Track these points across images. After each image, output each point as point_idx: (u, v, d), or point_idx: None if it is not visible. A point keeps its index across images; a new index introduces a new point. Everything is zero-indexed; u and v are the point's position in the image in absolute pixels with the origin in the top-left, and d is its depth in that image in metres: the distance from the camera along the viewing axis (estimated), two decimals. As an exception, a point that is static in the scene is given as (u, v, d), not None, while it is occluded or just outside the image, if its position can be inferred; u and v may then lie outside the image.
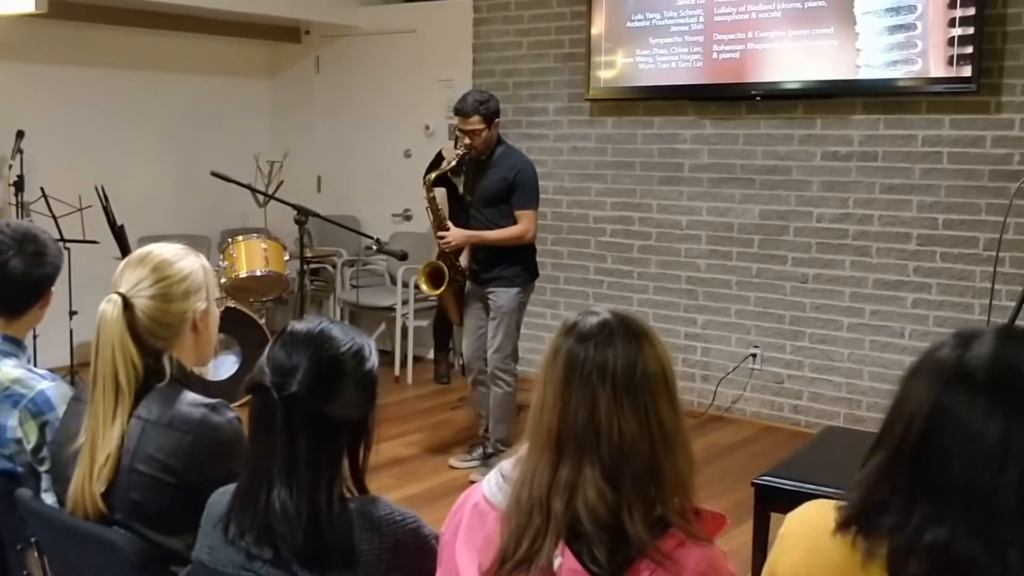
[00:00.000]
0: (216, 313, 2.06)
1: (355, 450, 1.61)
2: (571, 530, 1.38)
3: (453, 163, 4.68)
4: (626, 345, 1.43)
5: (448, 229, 4.62)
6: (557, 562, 1.37)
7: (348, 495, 1.58)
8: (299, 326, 1.63)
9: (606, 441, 1.39)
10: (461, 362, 6.43)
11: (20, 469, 2.13)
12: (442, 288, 4.70)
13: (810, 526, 1.38)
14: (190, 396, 1.89)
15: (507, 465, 1.52)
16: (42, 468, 2.09)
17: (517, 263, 4.63)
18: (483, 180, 4.60)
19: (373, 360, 1.64)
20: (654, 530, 1.37)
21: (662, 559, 1.34)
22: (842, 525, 1.30)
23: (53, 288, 2.29)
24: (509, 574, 1.41)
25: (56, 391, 2.15)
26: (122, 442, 1.83)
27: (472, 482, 4.67)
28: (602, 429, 1.39)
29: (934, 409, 1.24)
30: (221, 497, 1.64)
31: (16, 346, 2.24)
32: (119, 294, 1.88)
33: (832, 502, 1.37)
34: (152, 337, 1.90)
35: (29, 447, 2.11)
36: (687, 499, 1.42)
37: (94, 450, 1.83)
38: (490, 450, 4.69)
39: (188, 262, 1.97)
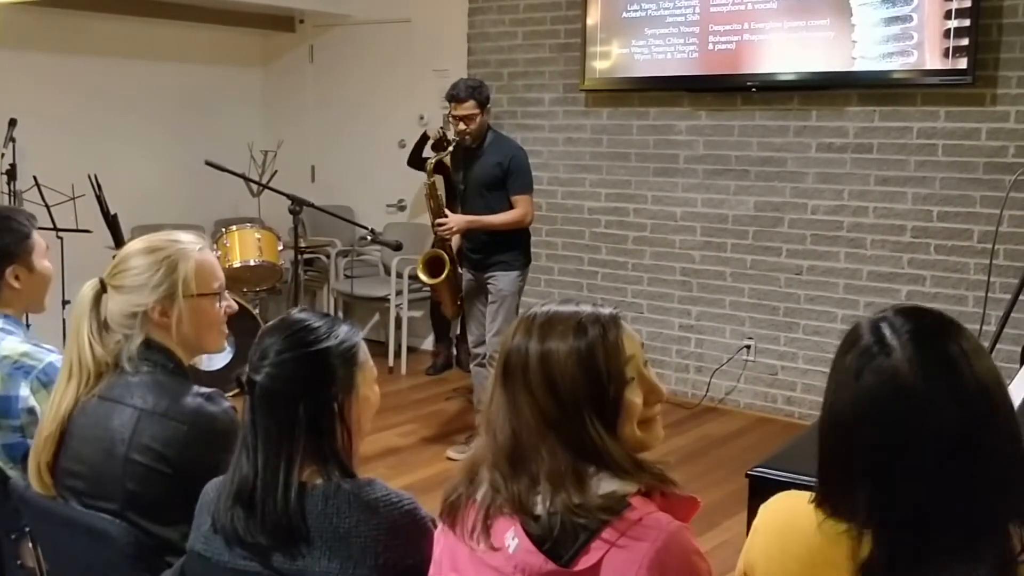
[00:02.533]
0: (204, 308, 2.00)
1: (322, 433, 1.59)
2: (520, 510, 1.41)
3: (450, 149, 4.72)
4: (524, 339, 1.46)
5: (446, 215, 4.63)
6: (515, 544, 1.37)
7: (343, 479, 1.58)
8: (278, 319, 1.69)
9: (494, 427, 1.46)
10: (456, 353, 6.44)
11: (30, 441, 2.13)
12: (442, 277, 4.68)
13: (782, 515, 1.41)
14: (185, 386, 1.89)
15: None
16: None
17: (515, 248, 4.67)
18: (476, 168, 4.64)
19: (328, 342, 1.63)
20: (612, 506, 1.37)
21: (617, 539, 1.34)
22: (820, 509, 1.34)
23: (15, 264, 2.26)
24: (445, 521, 1.50)
25: None
26: (69, 417, 1.88)
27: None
28: (491, 417, 1.47)
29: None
30: (215, 486, 1.65)
31: (17, 324, 2.26)
32: (100, 279, 1.94)
33: (802, 492, 1.39)
34: (113, 323, 1.93)
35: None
36: (578, 494, 1.38)
37: (42, 423, 1.90)
38: None
39: (150, 258, 1.95)
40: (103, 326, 1.92)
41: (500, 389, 1.46)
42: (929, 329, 1.30)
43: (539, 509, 1.38)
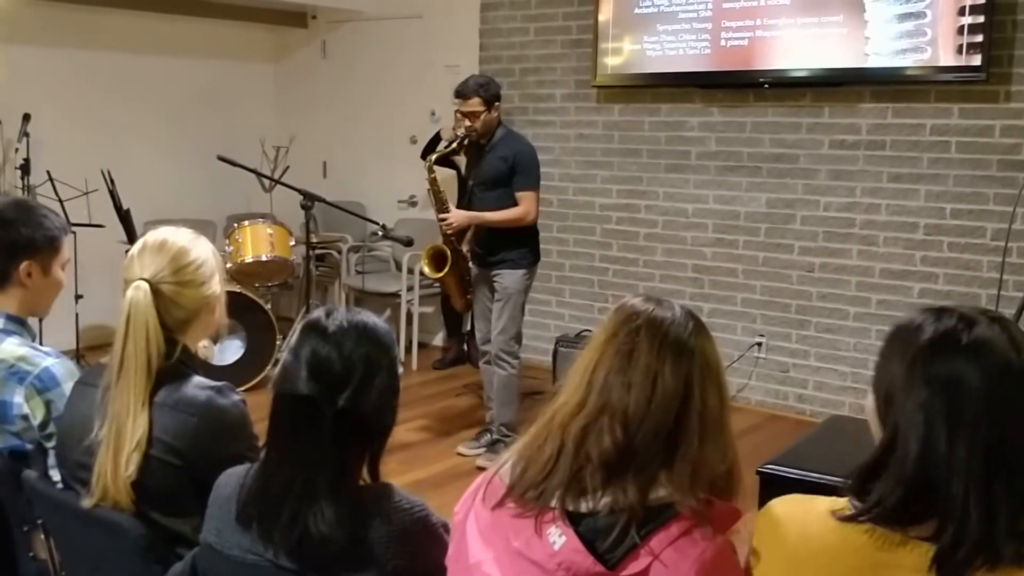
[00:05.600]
0: (224, 295, 2.07)
1: (380, 447, 1.63)
2: (576, 489, 1.38)
3: (453, 145, 4.76)
4: (686, 319, 1.46)
5: (449, 211, 4.65)
6: (560, 541, 1.36)
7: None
8: (343, 325, 1.59)
9: (637, 387, 1.39)
10: (467, 349, 6.45)
11: (29, 446, 2.13)
12: (444, 271, 4.70)
13: (793, 522, 1.37)
14: (196, 379, 1.90)
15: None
16: (49, 444, 2.10)
17: (522, 245, 4.66)
18: (484, 164, 4.65)
19: (394, 353, 1.68)
20: (660, 511, 1.36)
21: (664, 547, 1.33)
22: (857, 515, 1.29)
23: (34, 260, 2.22)
24: (516, 502, 1.42)
25: (61, 367, 2.15)
26: (151, 427, 1.82)
27: (479, 468, 4.67)
28: (636, 375, 1.40)
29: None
30: (228, 479, 1.64)
31: (19, 325, 2.23)
32: (145, 280, 1.88)
33: (802, 496, 1.38)
34: (172, 322, 1.91)
35: (36, 423, 2.11)
36: (702, 489, 1.39)
37: (120, 437, 1.81)
38: (495, 436, 4.70)
39: (202, 248, 1.98)
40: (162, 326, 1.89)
41: (658, 350, 1.41)
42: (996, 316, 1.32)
43: (590, 506, 1.37)
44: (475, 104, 4.53)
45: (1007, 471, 1.23)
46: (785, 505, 1.40)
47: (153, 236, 1.98)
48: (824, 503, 1.34)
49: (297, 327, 1.64)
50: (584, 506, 1.38)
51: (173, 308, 1.91)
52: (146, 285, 1.87)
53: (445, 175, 6.20)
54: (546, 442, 1.42)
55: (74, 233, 5.31)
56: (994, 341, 1.27)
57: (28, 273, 2.22)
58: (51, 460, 2.07)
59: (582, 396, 1.42)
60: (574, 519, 1.37)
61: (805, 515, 1.35)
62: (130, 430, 1.81)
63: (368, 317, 1.65)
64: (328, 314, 1.62)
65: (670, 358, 1.40)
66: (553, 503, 1.38)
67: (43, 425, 2.10)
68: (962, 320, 1.30)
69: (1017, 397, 1.25)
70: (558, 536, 1.36)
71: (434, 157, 4.84)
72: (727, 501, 1.42)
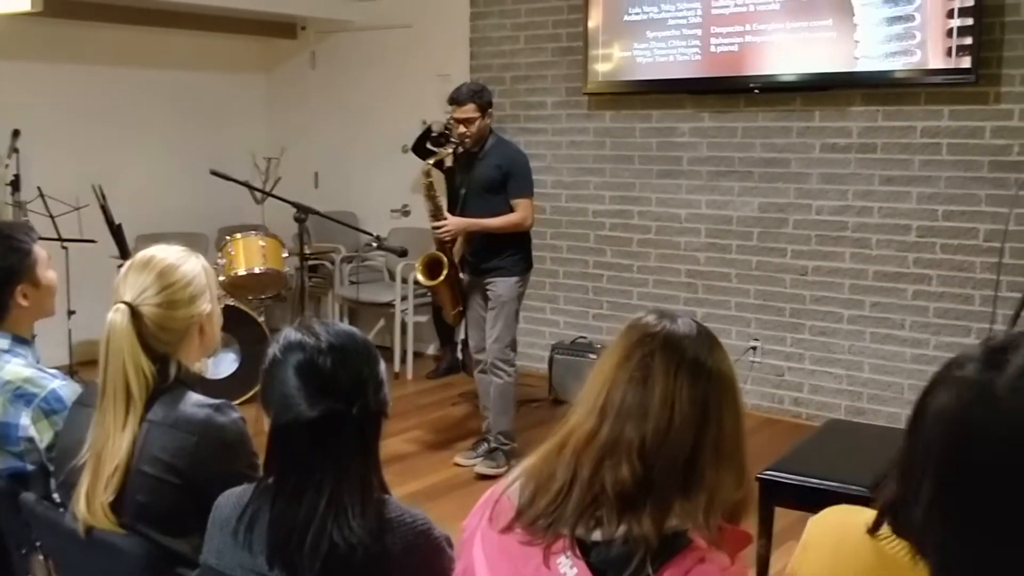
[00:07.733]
0: (219, 312, 2.05)
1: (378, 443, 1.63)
2: (589, 519, 1.35)
3: (448, 152, 4.73)
4: (701, 338, 1.43)
5: (445, 217, 4.63)
6: (572, 573, 1.34)
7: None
8: (332, 338, 1.58)
9: (654, 416, 1.36)
10: (461, 358, 6.44)
11: (31, 467, 2.12)
12: (440, 278, 4.67)
13: (834, 531, 1.34)
14: (194, 397, 1.88)
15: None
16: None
17: (515, 253, 4.65)
18: (477, 171, 4.63)
19: None
20: (673, 540, 1.33)
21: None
22: (876, 524, 1.23)
23: (23, 282, 2.22)
24: (526, 529, 1.39)
25: (68, 389, 2.15)
26: (132, 451, 1.80)
27: (479, 475, 4.65)
28: (653, 402, 1.36)
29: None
30: (227, 499, 1.63)
31: (24, 345, 2.23)
32: (125, 303, 1.86)
33: (854, 507, 1.33)
34: (159, 343, 1.89)
35: (43, 446, 2.11)
36: (716, 517, 1.36)
37: (100, 460, 1.80)
38: (493, 444, 4.69)
39: (191, 266, 1.96)
40: (144, 348, 1.86)
41: (675, 373, 1.38)
42: None
43: (602, 536, 1.34)
44: (470, 110, 4.52)
45: None
46: (835, 515, 1.36)
47: (142, 254, 1.97)
48: (867, 515, 1.28)
49: (274, 351, 1.59)
50: (596, 535, 1.35)
51: (158, 329, 1.88)
52: (125, 308, 1.85)
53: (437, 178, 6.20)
54: (558, 469, 1.39)
55: (65, 249, 5.36)
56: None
57: (23, 295, 2.23)
58: (54, 483, 2.06)
59: (595, 423, 1.38)
60: (584, 548, 1.35)
61: (849, 525, 1.30)
62: (109, 454, 1.80)
63: (340, 323, 1.67)
64: (307, 333, 1.59)
65: (687, 381, 1.37)
66: (564, 531, 1.35)
67: (50, 447, 2.10)
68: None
69: None
70: (569, 568, 1.34)
71: (432, 161, 4.80)
72: (736, 525, 1.40)
